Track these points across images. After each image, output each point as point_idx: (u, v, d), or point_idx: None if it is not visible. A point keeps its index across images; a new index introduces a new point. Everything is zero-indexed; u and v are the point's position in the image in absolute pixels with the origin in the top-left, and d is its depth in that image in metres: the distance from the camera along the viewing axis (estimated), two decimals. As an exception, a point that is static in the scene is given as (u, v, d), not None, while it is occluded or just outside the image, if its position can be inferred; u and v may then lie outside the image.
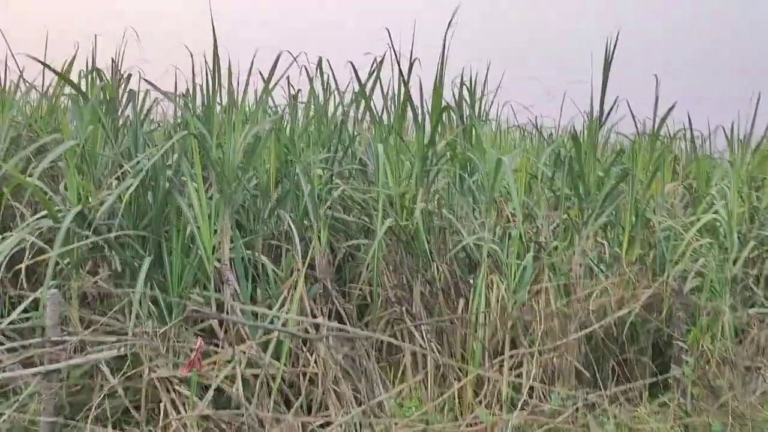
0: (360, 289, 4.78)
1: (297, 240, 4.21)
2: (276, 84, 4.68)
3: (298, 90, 5.31)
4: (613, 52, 4.60)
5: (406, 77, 4.58)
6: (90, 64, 4.80)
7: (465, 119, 4.90)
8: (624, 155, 5.57)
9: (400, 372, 4.49)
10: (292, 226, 4.24)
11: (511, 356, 4.18)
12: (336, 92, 5.20)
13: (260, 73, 4.89)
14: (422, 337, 4.50)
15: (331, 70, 5.30)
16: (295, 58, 4.53)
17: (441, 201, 5.12)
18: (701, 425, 4.04)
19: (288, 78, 5.18)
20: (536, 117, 6.26)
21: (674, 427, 3.96)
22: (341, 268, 5.00)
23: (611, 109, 4.75)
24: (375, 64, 4.95)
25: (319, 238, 4.34)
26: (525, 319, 4.10)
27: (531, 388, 4.12)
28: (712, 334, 4.38)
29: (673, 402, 3.85)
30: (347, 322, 4.80)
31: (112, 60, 4.87)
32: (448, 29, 4.41)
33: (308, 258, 4.19)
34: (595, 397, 3.89)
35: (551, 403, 3.76)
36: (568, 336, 4.10)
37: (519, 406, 3.71)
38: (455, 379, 4.41)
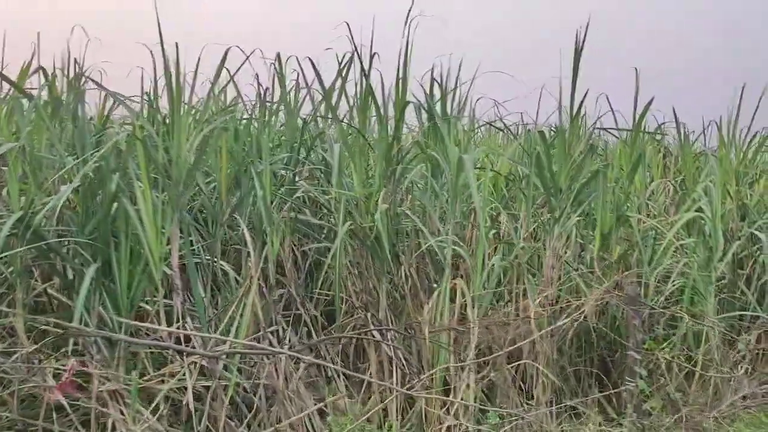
0: (327, 295, 4.59)
1: (251, 245, 4.00)
2: (229, 81, 4.49)
3: (266, 88, 5.12)
4: (583, 43, 4.37)
5: (366, 71, 4.36)
6: (60, 65, 4.63)
7: (433, 115, 4.66)
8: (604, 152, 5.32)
9: (364, 384, 4.29)
10: (246, 232, 4.04)
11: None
12: (298, 90, 4.99)
13: (228, 71, 4.72)
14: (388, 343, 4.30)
15: (300, 66, 5.11)
16: (248, 57, 4.32)
17: (414, 201, 4.90)
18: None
19: (257, 76, 5.01)
20: (521, 114, 6.03)
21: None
22: (312, 272, 4.81)
23: (582, 103, 4.51)
24: (342, 62, 4.75)
25: (273, 242, 4.13)
26: (459, 331, 3.86)
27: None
28: (697, 341, 4.13)
29: (626, 417, 3.56)
30: (312, 329, 4.61)
31: (75, 60, 4.70)
32: (408, 15, 4.21)
33: (260, 264, 3.99)
34: (537, 414, 3.63)
35: (488, 421, 3.53)
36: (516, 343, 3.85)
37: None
38: (424, 387, 4.21)
